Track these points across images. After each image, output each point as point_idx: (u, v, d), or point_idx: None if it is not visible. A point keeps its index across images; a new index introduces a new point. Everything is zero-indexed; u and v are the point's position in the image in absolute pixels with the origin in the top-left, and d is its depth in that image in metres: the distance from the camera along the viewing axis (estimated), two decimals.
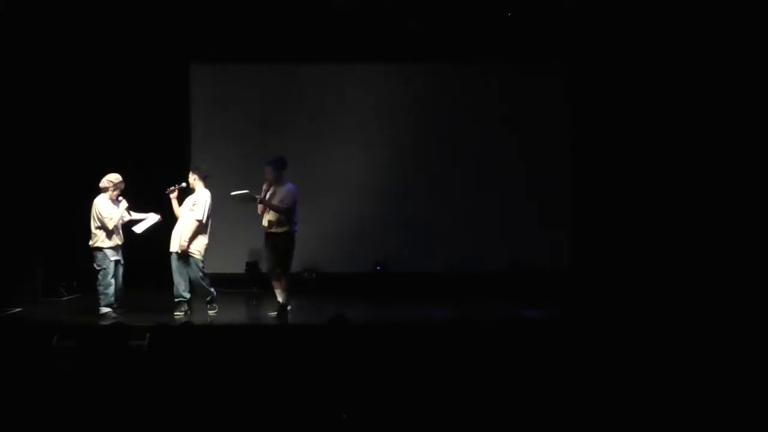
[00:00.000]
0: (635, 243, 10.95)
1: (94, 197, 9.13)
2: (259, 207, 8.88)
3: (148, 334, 6.09)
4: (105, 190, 8.99)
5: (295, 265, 9.86)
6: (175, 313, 8.91)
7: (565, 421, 4.73)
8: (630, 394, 5.06)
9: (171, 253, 8.99)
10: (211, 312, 9.07)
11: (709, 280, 10.11)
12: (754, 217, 10.48)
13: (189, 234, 8.91)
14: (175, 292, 8.96)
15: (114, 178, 9.01)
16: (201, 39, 11.04)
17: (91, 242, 8.93)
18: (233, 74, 11.63)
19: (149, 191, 10.05)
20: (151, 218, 9.24)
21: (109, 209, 8.92)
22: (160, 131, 11.21)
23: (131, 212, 9.17)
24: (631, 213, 11.09)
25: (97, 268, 8.89)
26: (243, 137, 11.47)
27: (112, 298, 8.89)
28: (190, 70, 11.55)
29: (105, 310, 8.86)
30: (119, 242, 9.03)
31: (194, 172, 9.20)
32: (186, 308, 8.97)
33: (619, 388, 5.14)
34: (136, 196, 9.46)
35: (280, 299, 8.97)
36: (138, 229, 9.17)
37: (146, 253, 9.76)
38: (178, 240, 8.95)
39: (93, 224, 8.94)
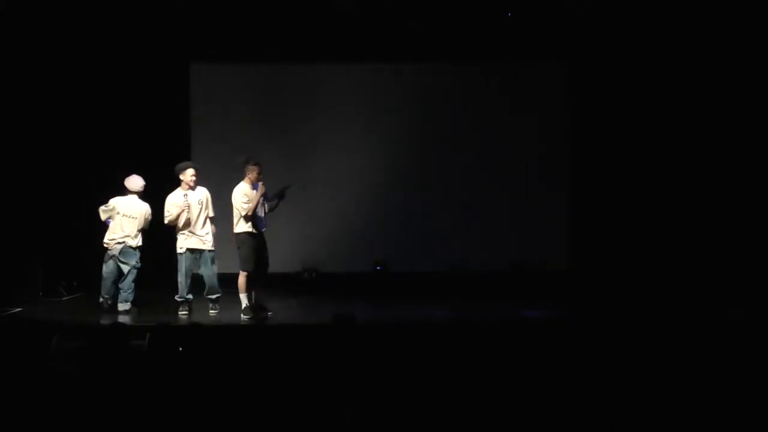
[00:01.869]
0: (635, 243, 10.95)
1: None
2: (251, 206, 8.76)
3: (148, 334, 6.09)
4: (139, 194, 9.27)
5: (296, 265, 9.90)
6: (180, 313, 8.99)
7: (566, 421, 4.73)
8: (630, 393, 5.06)
9: (196, 251, 9.09)
10: (212, 312, 9.10)
11: (709, 280, 10.11)
12: (753, 216, 10.49)
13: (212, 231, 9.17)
14: (215, 290, 9.12)
15: (142, 180, 9.30)
16: (201, 39, 11.03)
17: (136, 243, 9.20)
18: (233, 74, 11.63)
19: (149, 191, 10.06)
20: None
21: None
22: (160, 131, 11.20)
23: None
24: (630, 213, 11.09)
25: (138, 266, 9.19)
26: (243, 137, 11.45)
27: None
28: (190, 70, 11.54)
29: (128, 306, 9.14)
30: None
31: (196, 171, 9.23)
32: (188, 308, 9.03)
33: (620, 387, 5.14)
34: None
35: (247, 302, 8.94)
36: None
37: (146, 253, 9.78)
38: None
39: (138, 226, 9.20)
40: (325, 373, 5.02)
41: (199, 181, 9.29)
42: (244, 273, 8.88)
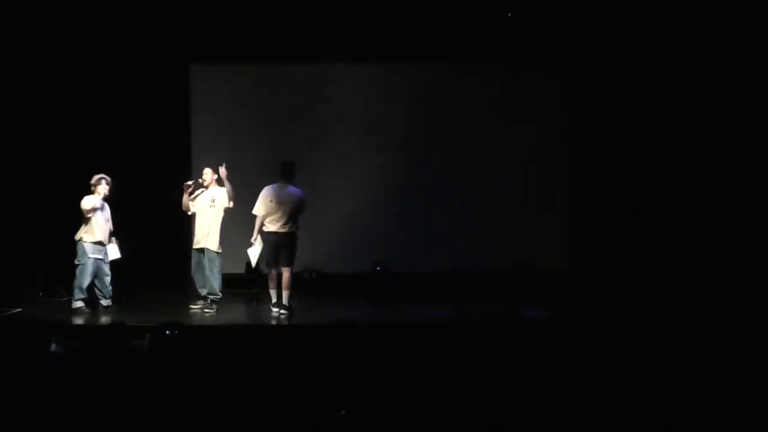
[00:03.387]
0: (635, 243, 10.94)
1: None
2: None
3: (148, 334, 6.09)
4: (90, 188, 9.23)
5: (295, 266, 9.89)
6: (191, 307, 9.14)
7: (565, 421, 4.73)
8: (630, 394, 5.06)
9: (202, 250, 9.16)
10: (208, 312, 9.13)
11: (710, 280, 10.10)
12: (754, 216, 10.48)
13: (219, 230, 9.22)
14: (209, 290, 9.18)
15: (93, 179, 9.20)
16: (201, 39, 11.02)
17: (76, 235, 9.16)
18: (233, 74, 11.62)
19: (149, 191, 10.08)
20: (113, 251, 9.35)
21: (90, 202, 9.12)
22: (160, 131, 11.19)
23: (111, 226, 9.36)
24: (631, 213, 11.08)
25: (76, 263, 9.15)
26: (243, 137, 11.46)
27: (85, 294, 9.14)
28: (190, 70, 11.53)
29: (78, 304, 9.12)
30: (102, 240, 9.17)
31: (215, 173, 9.30)
32: (201, 304, 9.19)
33: (620, 388, 5.14)
34: (137, 196, 9.49)
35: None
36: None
37: (147, 252, 9.80)
38: (213, 238, 9.18)
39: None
40: (325, 373, 5.02)
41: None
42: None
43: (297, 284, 10.19)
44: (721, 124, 10.71)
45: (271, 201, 8.94)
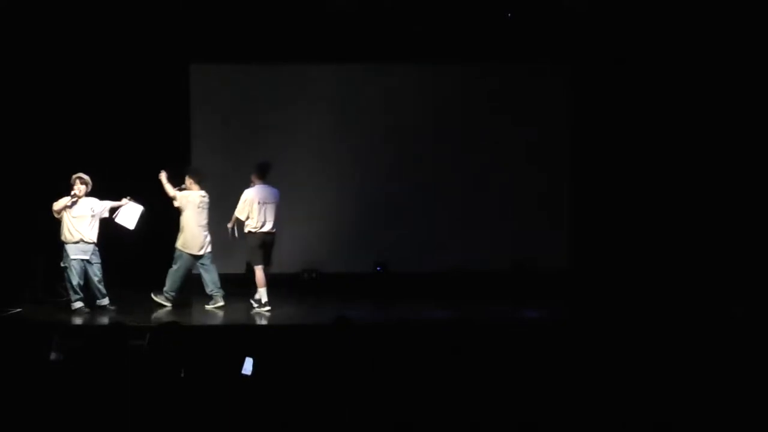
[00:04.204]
0: (635, 243, 10.94)
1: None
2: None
3: (148, 334, 6.09)
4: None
5: (295, 266, 9.96)
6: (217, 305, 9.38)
7: (566, 421, 4.73)
8: (630, 394, 5.06)
9: (202, 255, 9.38)
10: (157, 299, 9.39)
11: (711, 280, 10.10)
12: (755, 216, 10.48)
13: (187, 230, 9.45)
14: (213, 288, 9.44)
15: (71, 179, 9.25)
16: (201, 39, 11.01)
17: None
18: (233, 74, 11.61)
19: (149, 190, 10.06)
20: (133, 208, 9.35)
21: (57, 203, 9.18)
22: (160, 131, 11.18)
23: (105, 201, 9.35)
24: (631, 212, 11.08)
25: (62, 265, 9.25)
26: (243, 137, 11.46)
27: (80, 294, 9.20)
28: (190, 70, 11.52)
29: (78, 305, 9.19)
30: (83, 239, 9.17)
31: (190, 177, 9.53)
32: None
33: (620, 388, 5.14)
34: (136, 196, 9.49)
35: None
36: (129, 225, 9.35)
37: (147, 251, 9.80)
38: (180, 236, 9.38)
39: None
40: (325, 373, 5.02)
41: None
42: None
43: (296, 284, 10.30)
44: (723, 124, 10.71)
45: (259, 203, 9.12)
